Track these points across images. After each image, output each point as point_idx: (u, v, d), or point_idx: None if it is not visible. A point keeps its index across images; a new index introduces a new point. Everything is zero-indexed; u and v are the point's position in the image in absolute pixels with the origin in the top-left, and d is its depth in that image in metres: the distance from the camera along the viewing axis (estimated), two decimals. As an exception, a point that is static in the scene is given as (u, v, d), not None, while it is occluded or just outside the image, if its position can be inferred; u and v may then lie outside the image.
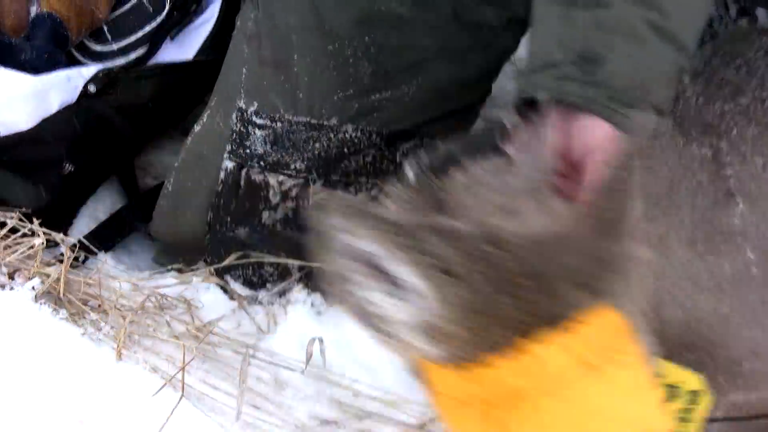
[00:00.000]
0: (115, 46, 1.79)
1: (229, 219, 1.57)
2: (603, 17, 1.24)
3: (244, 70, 1.56)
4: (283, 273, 1.61)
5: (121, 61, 1.76)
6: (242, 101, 1.55)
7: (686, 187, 1.47)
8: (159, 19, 1.76)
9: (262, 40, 1.57)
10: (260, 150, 1.53)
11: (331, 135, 1.51)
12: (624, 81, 1.23)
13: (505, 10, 1.52)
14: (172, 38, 1.76)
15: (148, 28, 1.76)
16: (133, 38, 1.76)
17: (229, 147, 1.56)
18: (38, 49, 1.59)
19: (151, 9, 1.77)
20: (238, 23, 1.65)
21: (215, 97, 1.63)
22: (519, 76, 1.35)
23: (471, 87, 1.60)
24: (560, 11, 1.28)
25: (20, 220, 1.52)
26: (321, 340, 1.50)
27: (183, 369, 1.38)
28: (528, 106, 1.24)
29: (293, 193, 1.54)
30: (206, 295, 1.61)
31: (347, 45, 1.52)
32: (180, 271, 1.63)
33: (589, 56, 1.23)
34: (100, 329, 1.44)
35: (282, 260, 1.56)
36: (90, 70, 1.64)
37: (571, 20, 1.27)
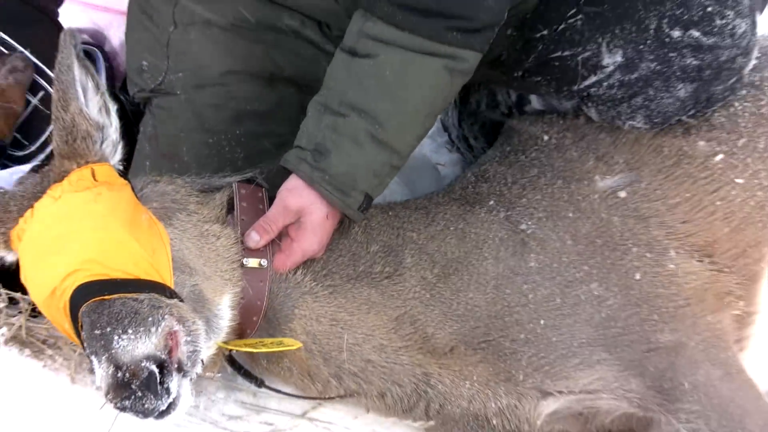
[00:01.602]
0: (33, 147, 2.11)
1: None
2: (338, 123, 1.71)
3: (147, 163, 1.96)
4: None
5: (41, 157, 2.07)
6: None
7: (488, 242, 1.87)
8: None
9: (159, 139, 1.98)
10: None
11: None
12: (339, 170, 1.70)
13: None
14: None
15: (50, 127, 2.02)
16: (44, 137, 2.08)
17: None
18: None
19: (47, 111, 2.05)
20: (141, 128, 2.03)
21: None
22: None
23: None
24: (317, 110, 1.75)
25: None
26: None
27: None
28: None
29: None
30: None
31: (223, 138, 1.94)
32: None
33: (320, 149, 1.73)
34: (56, 362, 1.77)
35: None
36: (27, 166, 1.98)
37: (320, 119, 1.73)
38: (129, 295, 1.49)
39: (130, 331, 1.43)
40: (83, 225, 1.56)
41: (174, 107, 1.99)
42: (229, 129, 1.97)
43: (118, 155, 1.73)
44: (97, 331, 1.43)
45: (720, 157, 1.96)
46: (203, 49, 1.99)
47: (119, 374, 1.39)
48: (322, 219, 1.75)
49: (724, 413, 1.75)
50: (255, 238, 1.72)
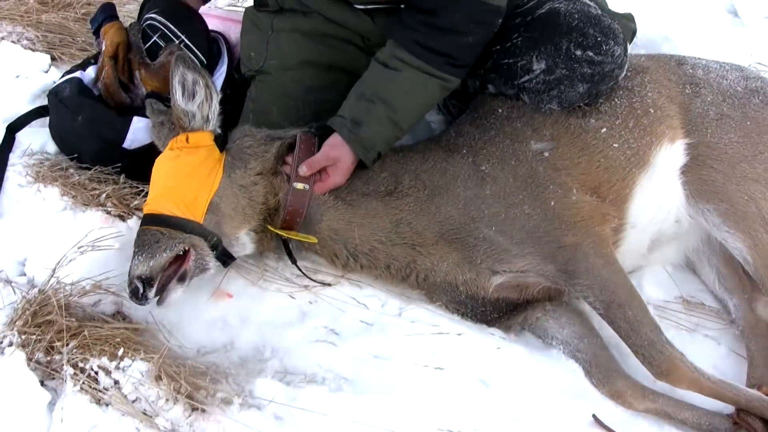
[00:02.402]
0: None
1: None
2: (369, 107, 2.42)
3: (250, 115, 2.73)
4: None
5: None
6: None
7: (461, 176, 2.46)
8: None
9: (258, 102, 2.78)
10: None
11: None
12: (366, 137, 2.42)
13: None
14: None
15: None
16: None
17: None
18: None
19: None
20: (248, 94, 2.82)
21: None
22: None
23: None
24: (357, 95, 2.46)
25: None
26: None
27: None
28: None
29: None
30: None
31: (301, 102, 2.73)
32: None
33: (356, 121, 2.43)
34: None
35: None
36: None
37: (358, 102, 2.45)
38: (160, 229, 2.28)
39: (143, 256, 2.24)
40: (162, 174, 2.37)
41: (269, 82, 2.78)
42: (301, 97, 2.73)
43: (212, 124, 2.47)
44: (134, 248, 2.28)
45: (604, 130, 2.57)
46: (289, 47, 2.77)
47: (127, 279, 2.27)
48: (348, 164, 2.44)
49: (603, 286, 2.36)
50: (304, 170, 2.43)
